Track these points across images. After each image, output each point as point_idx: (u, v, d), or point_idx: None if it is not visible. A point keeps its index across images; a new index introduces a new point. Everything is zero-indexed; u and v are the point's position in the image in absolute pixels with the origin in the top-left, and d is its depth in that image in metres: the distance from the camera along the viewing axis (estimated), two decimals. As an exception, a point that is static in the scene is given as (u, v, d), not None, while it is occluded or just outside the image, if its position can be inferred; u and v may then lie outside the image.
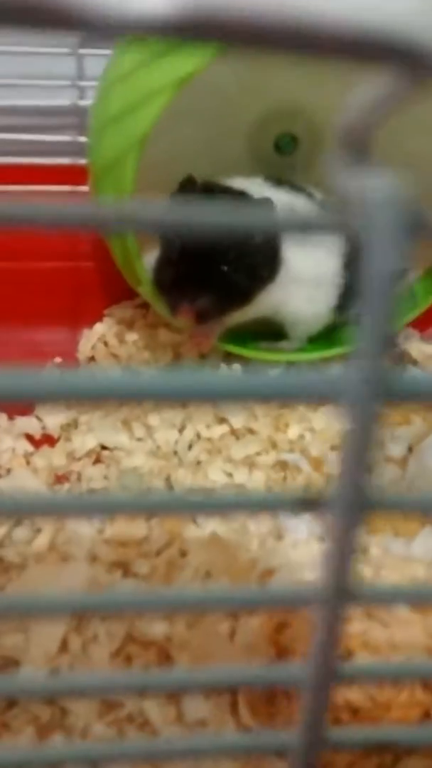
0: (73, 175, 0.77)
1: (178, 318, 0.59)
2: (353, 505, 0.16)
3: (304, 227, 0.16)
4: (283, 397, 0.15)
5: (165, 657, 0.50)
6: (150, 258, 0.64)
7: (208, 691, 0.48)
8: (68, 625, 0.50)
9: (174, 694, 0.48)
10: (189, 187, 0.61)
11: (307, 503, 0.17)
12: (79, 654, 0.49)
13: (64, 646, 0.50)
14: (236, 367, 0.71)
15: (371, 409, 0.15)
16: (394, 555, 0.50)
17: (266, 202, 0.60)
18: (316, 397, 0.16)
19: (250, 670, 0.25)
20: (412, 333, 0.76)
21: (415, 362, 0.74)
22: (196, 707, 0.47)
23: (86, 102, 0.77)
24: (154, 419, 0.68)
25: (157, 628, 0.50)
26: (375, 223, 0.15)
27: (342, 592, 0.18)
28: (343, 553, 0.17)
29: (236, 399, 0.15)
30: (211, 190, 0.61)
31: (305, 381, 0.15)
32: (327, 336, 0.72)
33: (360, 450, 0.16)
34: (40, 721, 0.46)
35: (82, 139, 0.78)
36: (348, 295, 0.68)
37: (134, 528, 0.57)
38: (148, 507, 0.17)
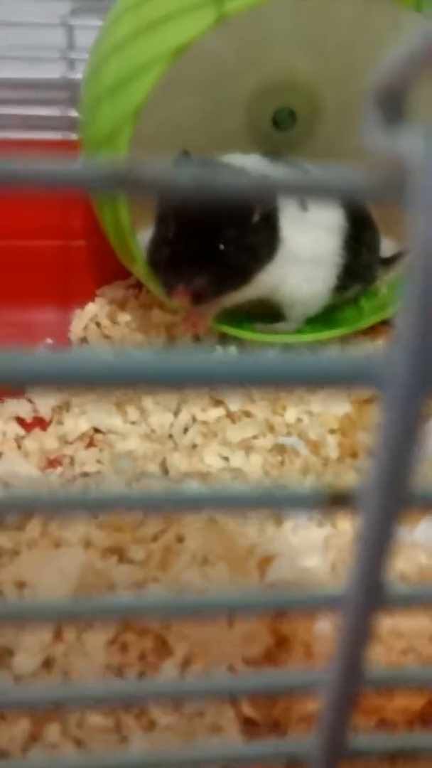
0: (64, 150, 0.74)
1: (174, 299, 0.57)
2: (390, 502, 0.15)
3: (339, 191, 0.14)
4: (314, 382, 0.14)
5: (162, 645, 0.49)
6: (144, 235, 0.62)
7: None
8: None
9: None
10: (184, 163, 0.59)
11: (335, 500, 0.15)
12: (73, 643, 0.48)
13: (58, 634, 0.48)
14: (232, 349, 0.69)
15: (416, 397, 0.14)
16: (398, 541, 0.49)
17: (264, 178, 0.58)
18: (350, 382, 0.14)
19: (265, 677, 0.24)
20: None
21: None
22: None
23: (77, 75, 0.74)
24: (148, 402, 0.67)
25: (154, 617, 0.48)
26: (420, 185, 0.13)
27: (374, 596, 0.16)
28: (375, 555, 0.16)
29: (261, 383, 0.14)
30: (208, 165, 0.59)
31: (338, 363, 0.14)
32: (325, 317, 0.70)
33: (400, 442, 0.14)
34: (35, 712, 0.45)
35: (73, 113, 0.76)
36: (347, 275, 0.66)
37: (130, 512, 0.56)
38: (157, 503, 0.16)
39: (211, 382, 0.14)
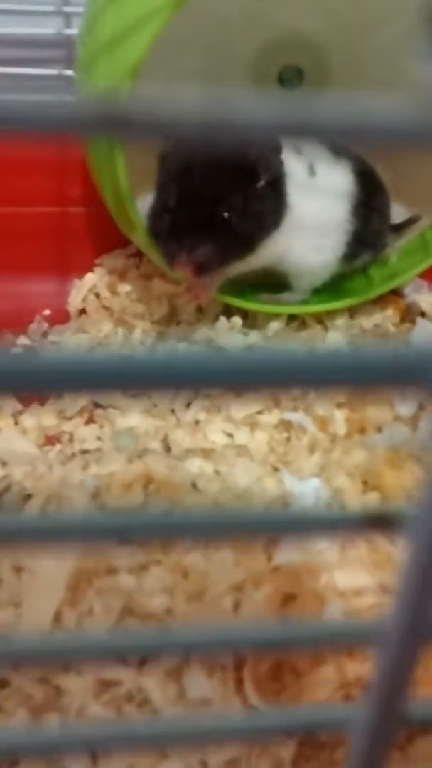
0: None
1: (176, 270, 0.54)
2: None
3: (384, 130, 0.12)
4: (352, 380, 0.12)
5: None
6: (144, 202, 0.60)
7: (211, 667, 0.45)
8: (62, 598, 0.47)
9: (175, 671, 0.45)
10: None
11: (379, 522, 0.13)
12: (73, 629, 0.46)
13: (57, 620, 0.47)
14: (236, 320, 0.66)
15: None
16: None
17: (270, 140, 0.55)
18: (403, 381, 0.12)
19: (295, 712, 0.21)
20: (421, 284, 0.72)
21: (423, 314, 0.70)
22: (198, 684, 0.44)
23: (73, 31, 0.71)
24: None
25: (157, 601, 0.47)
26: None
27: (420, 629, 0.14)
28: (424, 582, 0.13)
29: (289, 382, 0.12)
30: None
31: (382, 358, 0.11)
32: (333, 287, 0.67)
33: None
34: (33, 701, 0.43)
35: (69, 72, 0.72)
36: (357, 243, 0.64)
37: (131, 495, 0.54)
38: (190, 526, 0.14)
39: (229, 382, 0.11)
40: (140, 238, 0.62)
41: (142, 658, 0.46)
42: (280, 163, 0.56)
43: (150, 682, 0.44)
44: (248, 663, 0.45)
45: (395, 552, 0.45)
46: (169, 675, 0.45)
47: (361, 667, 0.44)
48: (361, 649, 0.45)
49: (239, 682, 0.45)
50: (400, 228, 0.69)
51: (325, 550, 0.45)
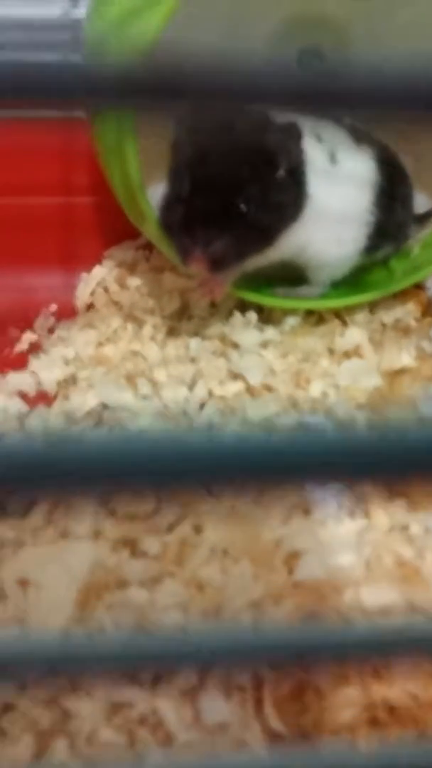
0: (64, 106, 0.68)
1: (189, 266, 0.51)
2: None
3: None
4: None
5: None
6: (156, 191, 0.56)
7: (228, 688, 0.43)
8: (70, 614, 0.44)
9: (190, 692, 0.42)
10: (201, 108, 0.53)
11: None
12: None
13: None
14: (251, 315, 0.64)
15: None
16: (439, 535, 0.44)
17: (291, 127, 0.52)
18: None
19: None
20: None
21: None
22: (215, 707, 0.42)
23: (80, 11, 0.67)
24: (160, 374, 0.61)
25: (171, 617, 0.44)
26: None
27: None
28: None
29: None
30: (228, 113, 0.53)
31: None
32: (353, 281, 0.64)
33: None
34: (39, 726, 0.41)
35: (77, 57, 0.69)
36: (379, 235, 0.60)
37: (142, 501, 0.51)
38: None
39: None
40: (151, 230, 0.59)
41: (156, 676, 0.44)
42: (300, 151, 0.53)
43: (164, 704, 0.42)
44: (268, 683, 0.42)
45: (424, 566, 0.43)
46: (184, 696, 0.42)
47: (388, 689, 0.41)
48: (388, 670, 0.43)
49: (258, 703, 0.42)
50: (423, 218, 0.65)
51: (349, 564, 0.43)
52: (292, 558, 0.44)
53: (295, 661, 0.24)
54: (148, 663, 0.22)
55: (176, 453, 0.15)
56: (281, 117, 0.53)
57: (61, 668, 0.23)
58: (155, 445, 0.15)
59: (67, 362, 0.64)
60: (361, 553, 0.43)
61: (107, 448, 0.14)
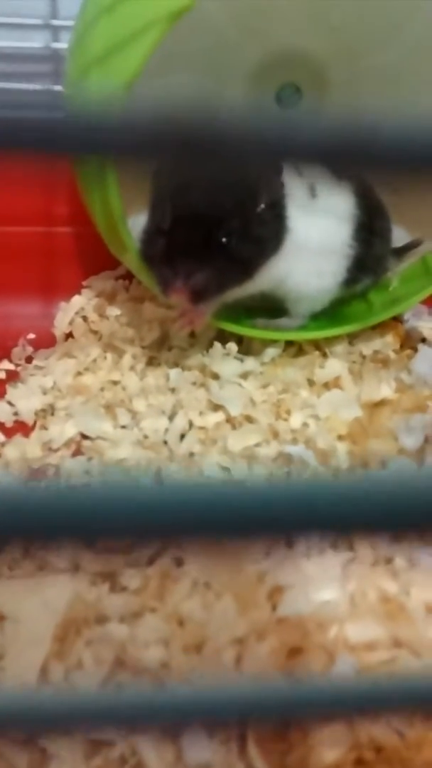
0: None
1: (170, 298, 0.51)
2: None
3: None
4: None
5: (160, 685, 0.43)
6: (136, 222, 0.57)
7: (212, 727, 0.42)
8: (48, 650, 0.43)
9: (172, 730, 0.41)
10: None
11: None
12: (61, 684, 0.43)
13: (43, 674, 0.43)
14: (231, 346, 0.64)
15: None
16: (423, 568, 0.44)
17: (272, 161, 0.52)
18: None
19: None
20: (421, 309, 0.70)
21: (423, 340, 0.68)
22: (198, 747, 0.41)
23: (61, 45, 0.68)
24: (140, 404, 0.61)
25: (152, 653, 0.43)
26: None
27: None
28: None
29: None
30: None
31: None
32: (331, 313, 0.65)
33: None
34: (17, 768, 0.39)
35: (58, 88, 0.69)
36: (358, 268, 0.61)
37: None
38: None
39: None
40: (131, 260, 0.59)
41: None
42: (281, 184, 0.53)
43: (145, 744, 0.41)
44: (251, 722, 0.42)
45: (409, 602, 0.42)
46: (165, 735, 0.41)
47: (375, 728, 0.41)
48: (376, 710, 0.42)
49: (242, 741, 0.41)
50: (400, 252, 0.66)
51: (333, 599, 0.42)
52: (276, 593, 0.44)
53: (279, 716, 0.24)
54: (125, 717, 0.21)
55: (155, 501, 0.14)
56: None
57: (36, 725, 0.22)
58: (133, 492, 0.14)
59: (45, 391, 0.63)
60: (346, 588, 0.43)
61: (88, 493, 0.14)
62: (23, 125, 0.12)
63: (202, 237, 0.50)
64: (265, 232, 0.53)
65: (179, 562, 0.48)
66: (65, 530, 0.13)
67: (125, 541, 0.14)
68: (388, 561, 0.45)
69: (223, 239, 0.51)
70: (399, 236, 0.67)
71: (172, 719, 0.21)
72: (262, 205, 0.52)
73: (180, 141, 0.11)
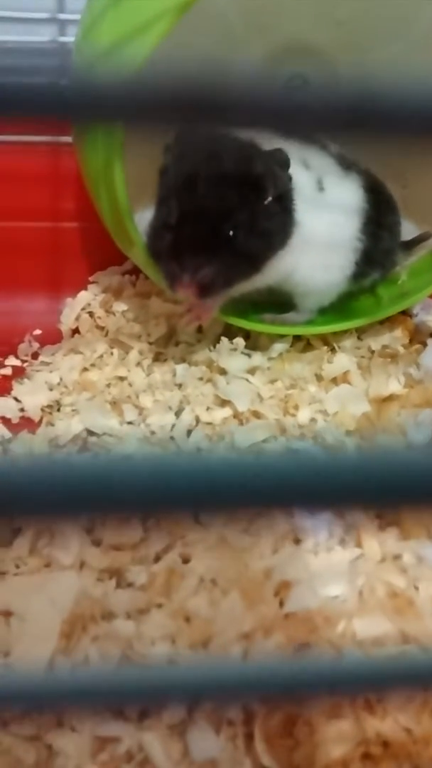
0: (55, 124, 0.68)
1: (177, 292, 0.51)
2: None
3: None
4: None
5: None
6: (143, 217, 0.56)
7: (218, 722, 0.41)
8: (55, 646, 0.43)
9: (179, 726, 0.41)
10: (188, 136, 0.53)
11: None
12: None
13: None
14: (238, 341, 0.63)
15: None
16: (431, 564, 0.44)
17: (277, 153, 0.52)
18: None
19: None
20: (430, 303, 0.69)
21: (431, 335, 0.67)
22: (204, 742, 0.41)
23: (68, 38, 0.68)
24: (146, 400, 0.61)
25: (158, 650, 0.43)
26: None
27: None
28: None
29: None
30: (215, 139, 0.53)
31: None
32: (339, 307, 0.64)
33: None
34: (23, 764, 0.39)
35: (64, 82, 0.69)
36: (366, 262, 0.60)
37: (127, 528, 0.50)
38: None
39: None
40: (138, 255, 0.59)
41: (143, 711, 0.43)
42: (288, 178, 0.53)
43: (151, 739, 0.41)
44: (259, 717, 0.41)
45: (417, 597, 0.42)
46: (172, 730, 0.41)
47: (382, 723, 0.40)
48: (381, 702, 0.42)
49: (249, 738, 0.41)
50: (409, 245, 0.66)
51: (341, 595, 0.42)
52: (283, 588, 0.44)
53: (286, 694, 0.24)
54: (135, 697, 0.21)
55: (163, 474, 0.14)
56: (268, 143, 0.54)
57: (46, 703, 0.22)
58: (141, 467, 0.14)
59: (51, 387, 0.63)
60: (354, 583, 0.43)
61: (92, 470, 0.14)
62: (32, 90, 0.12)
63: (209, 231, 0.50)
64: (273, 226, 0.53)
65: (186, 559, 0.48)
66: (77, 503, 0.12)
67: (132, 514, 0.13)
68: (396, 557, 0.44)
69: (231, 232, 0.50)
70: (408, 230, 0.66)
71: (181, 697, 0.21)
72: (269, 198, 0.52)
73: (194, 102, 0.11)
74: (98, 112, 0.14)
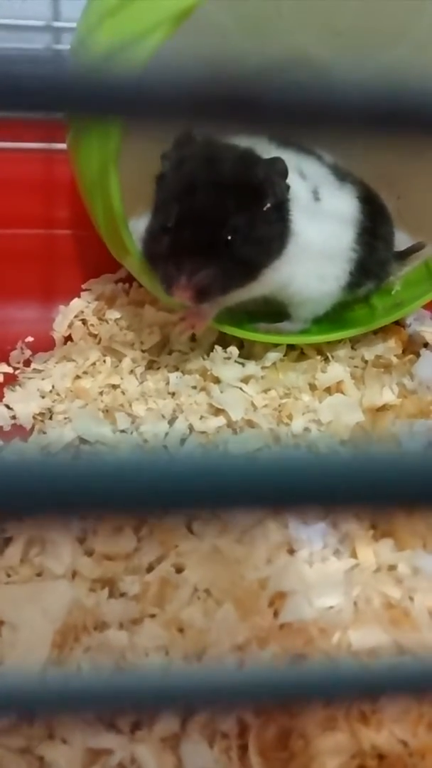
0: (49, 130, 0.68)
1: (173, 296, 0.50)
2: None
3: None
4: None
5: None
6: (138, 224, 0.56)
7: (212, 734, 0.41)
8: (47, 657, 0.42)
9: (172, 738, 0.41)
10: (187, 144, 0.53)
11: None
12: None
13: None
14: (232, 350, 0.63)
15: None
16: (426, 574, 0.44)
17: (277, 161, 0.52)
18: None
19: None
20: (424, 314, 0.69)
21: (426, 345, 0.68)
22: (198, 755, 0.40)
23: (63, 46, 0.68)
24: (139, 408, 0.60)
25: (152, 662, 0.43)
26: None
27: None
28: None
29: None
30: (214, 146, 0.53)
31: None
32: (334, 317, 0.64)
33: None
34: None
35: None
36: (361, 272, 0.60)
37: (120, 538, 0.50)
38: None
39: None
40: (132, 263, 0.58)
41: (135, 723, 0.42)
42: (287, 186, 0.53)
43: (144, 752, 0.40)
44: (253, 729, 0.41)
45: (413, 608, 0.42)
46: (165, 743, 0.41)
47: (377, 735, 0.40)
48: (376, 713, 0.42)
49: (243, 750, 0.41)
50: (403, 255, 0.66)
51: (336, 605, 0.42)
52: (278, 599, 0.43)
53: (281, 702, 0.23)
54: (128, 704, 0.21)
55: (153, 474, 0.14)
56: (265, 152, 0.54)
57: (38, 711, 0.21)
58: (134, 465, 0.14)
59: (43, 395, 0.62)
60: (349, 594, 0.42)
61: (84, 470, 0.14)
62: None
63: (207, 236, 0.50)
64: (270, 233, 0.53)
65: (179, 569, 0.47)
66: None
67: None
68: (392, 567, 0.44)
69: (228, 238, 0.50)
70: (401, 240, 0.66)
71: (175, 705, 0.20)
72: (268, 205, 0.52)
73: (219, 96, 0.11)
74: (99, 104, 0.13)
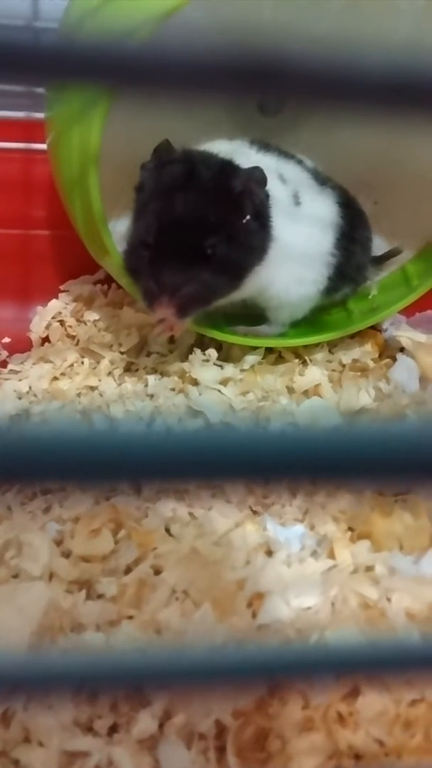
0: (28, 130, 0.67)
1: (156, 312, 0.50)
2: None
3: None
4: None
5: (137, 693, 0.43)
6: (117, 225, 0.56)
7: (189, 735, 0.41)
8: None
9: (149, 740, 0.41)
10: (165, 153, 0.53)
11: None
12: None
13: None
14: (211, 352, 0.63)
15: None
16: (403, 575, 0.44)
17: (255, 171, 0.52)
18: None
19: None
20: (400, 319, 0.70)
21: (402, 349, 0.68)
22: (175, 757, 0.40)
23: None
24: (117, 410, 0.60)
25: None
26: None
27: None
28: None
29: None
30: (192, 158, 0.53)
31: None
32: (311, 321, 0.65)
33: None
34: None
35: (39, 90, 0.69)
36: (339, 276, 0.61)
37: (98, 539, 0.49)
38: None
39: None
40: (112, 264, 0.58)
41: (112, 725, 0.42)
42: (266, 195, 0.53)
43: (121, 754, 0.40)
44: (231, 730, 0.41)
45: (389, 608, 0.42)
46: (142, 744, 0.40)
47: (354, 735, 0.40)
48: (354, 716, 0.42)
49: (220, 751, 0.41)
50: (380, 260, 0.67)
51: (314, 606, 0.42)
52: (256, 600, 0.43)
53: (258, 677, 0.23)
54: (102, 681, 0.21)
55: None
56: (246, 160, 0.54)
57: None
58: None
59: (20, 396, 0.62)
60: (326, 594, 0.42)
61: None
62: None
63: (187, 250, 0.50)
64: (251, 243, 0.53)
65: (157, 570, 0.47)
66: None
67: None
68: (369, 568, 0.45)
69: (209, 251, 0.50)
70: (378, 245, 0.67)
71: (151, 682, 0.20)
72: (248, 217, 0.52)
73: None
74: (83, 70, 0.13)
